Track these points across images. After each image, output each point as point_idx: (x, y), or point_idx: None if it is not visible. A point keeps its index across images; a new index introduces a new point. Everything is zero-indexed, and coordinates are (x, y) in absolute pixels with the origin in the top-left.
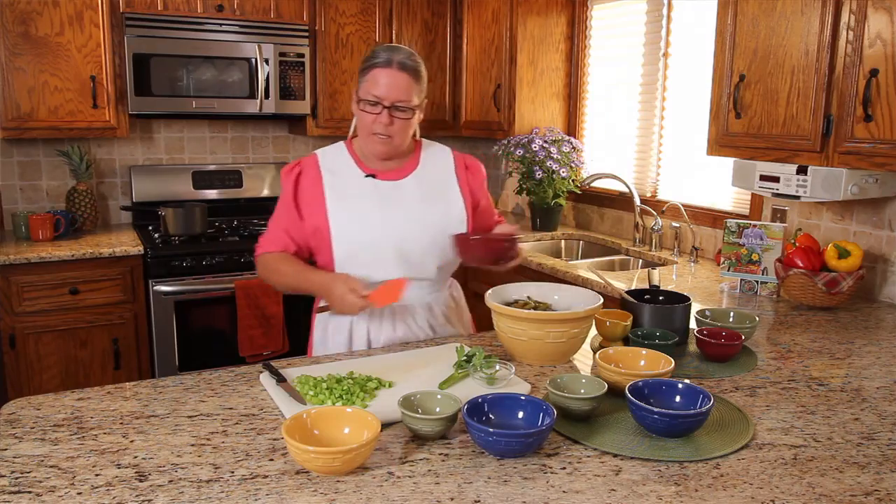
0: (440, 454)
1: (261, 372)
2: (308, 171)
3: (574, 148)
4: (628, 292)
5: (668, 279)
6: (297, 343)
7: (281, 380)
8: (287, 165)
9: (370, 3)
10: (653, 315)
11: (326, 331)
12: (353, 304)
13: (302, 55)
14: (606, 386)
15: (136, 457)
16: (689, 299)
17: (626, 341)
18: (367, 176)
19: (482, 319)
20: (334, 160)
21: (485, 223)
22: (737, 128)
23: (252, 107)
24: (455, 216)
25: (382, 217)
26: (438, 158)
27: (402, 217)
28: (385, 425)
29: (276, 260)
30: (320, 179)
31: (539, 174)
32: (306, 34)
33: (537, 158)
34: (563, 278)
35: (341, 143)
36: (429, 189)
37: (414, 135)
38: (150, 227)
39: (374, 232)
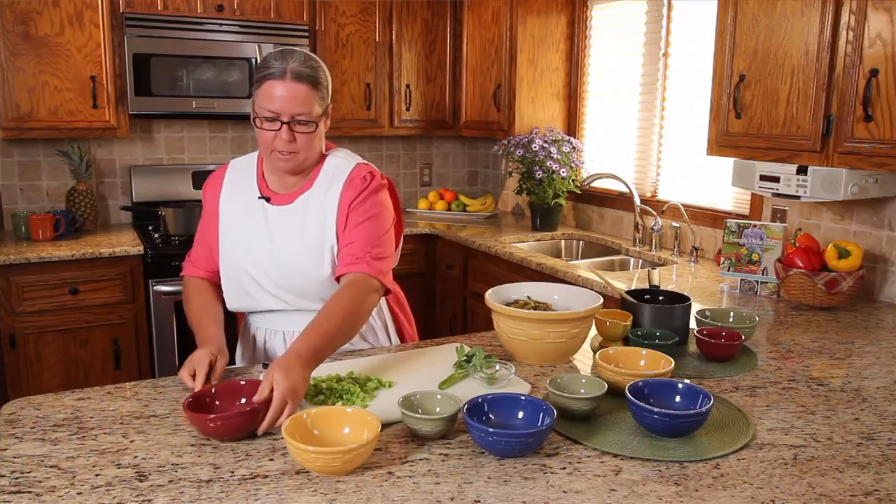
0: (440, 454)
1: (260, 372)
2: (213, 183)
3: (574, 148)
4: (628, 292)
5: (668, 279)
6: None
7: None
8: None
9: (370, 3)
10: (653, 315)
11: (248, 345)
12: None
13: None
14: (606, 386)
15: (136, 457)
16: (689, 299)
17: (626, 341)
18: (260, 198)
19: (480, 318)
20: (239, 174)
21: (343, 255)
22: (737, 128)
23: None
24: (324, 252)
25: (263, 246)
26: (333, 178)
27: (281, 248)
28: (385, 425)
29: (193, 291)
30: (218, 195)
31: (539, 174)
32: (306, 34)
33: (537, 158)
34: (563, 278)
35: (254, 155)
36: (310, 218)
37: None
38: (150, 227)
39: (255, 261)
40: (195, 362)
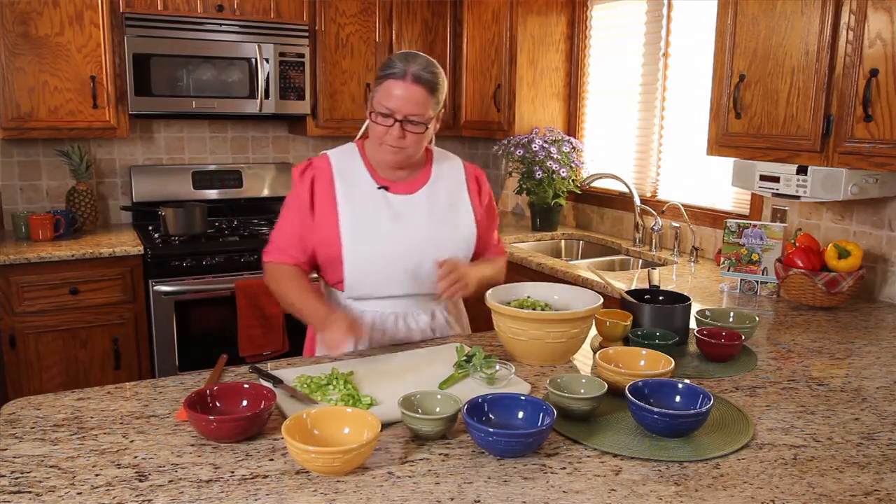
0: (440, 454)
1: (254, 372)
2: (321, 175)
3: (574, 148)
4: (628, 292)
5: (668, 279)
6: (298, 343)
7: (277, 382)
8: (299, 166)
9: (370, 3)
10: (653, 315)
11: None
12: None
13: (302, 55)
14: (606, 386)
15: (136, 457)
16: (689, 299)
17: (626, 341)
18: (379, 187)
19: (478, 318)
20: (347, 165)
21: (489, 239)
22: (737, 128)
23: (252, 107)
24: (463, 237)
25: (393, 233)
26: (450, 172)
27: (413, 235)
28: (385, 425)
29: (289, 276)
30: (332, 186)
31: (539, 174)
32: (306, 34)
33: (537, 158)
34: (563, 278)
35: (353, 146)
36: (440, 207)
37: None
38: (150, 227)
39: (386, 248)
40: (342, 325)
